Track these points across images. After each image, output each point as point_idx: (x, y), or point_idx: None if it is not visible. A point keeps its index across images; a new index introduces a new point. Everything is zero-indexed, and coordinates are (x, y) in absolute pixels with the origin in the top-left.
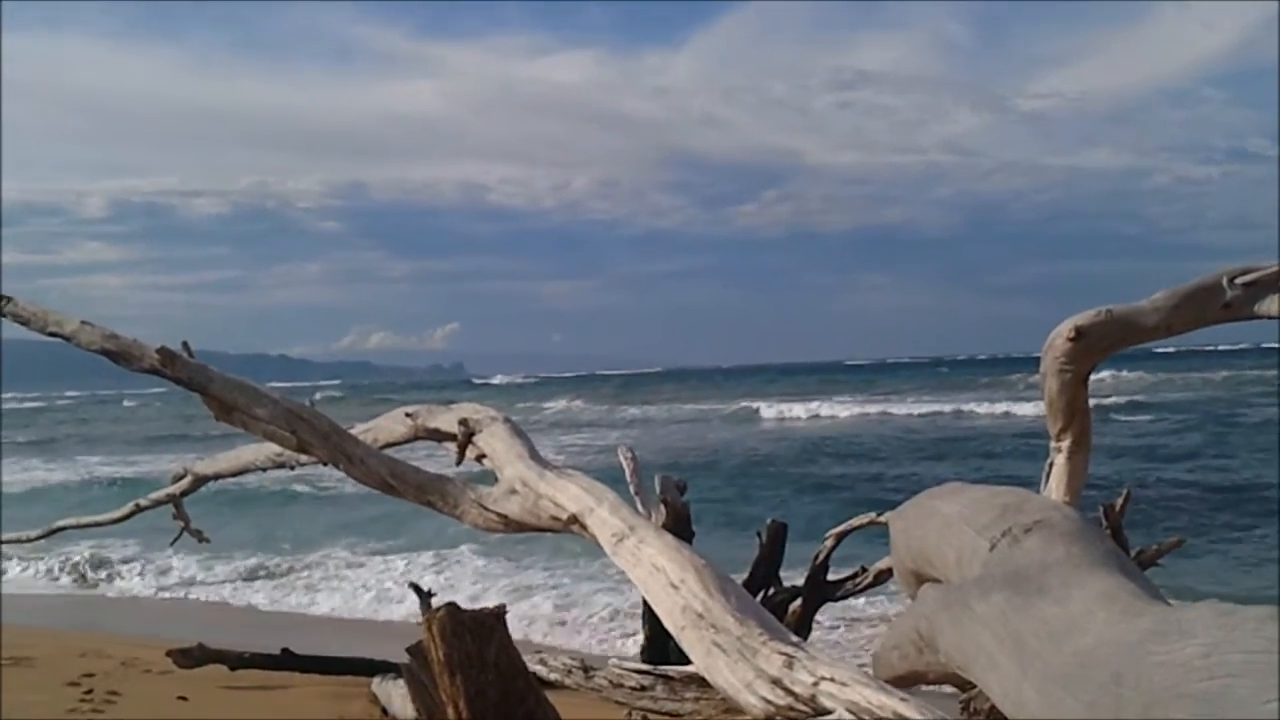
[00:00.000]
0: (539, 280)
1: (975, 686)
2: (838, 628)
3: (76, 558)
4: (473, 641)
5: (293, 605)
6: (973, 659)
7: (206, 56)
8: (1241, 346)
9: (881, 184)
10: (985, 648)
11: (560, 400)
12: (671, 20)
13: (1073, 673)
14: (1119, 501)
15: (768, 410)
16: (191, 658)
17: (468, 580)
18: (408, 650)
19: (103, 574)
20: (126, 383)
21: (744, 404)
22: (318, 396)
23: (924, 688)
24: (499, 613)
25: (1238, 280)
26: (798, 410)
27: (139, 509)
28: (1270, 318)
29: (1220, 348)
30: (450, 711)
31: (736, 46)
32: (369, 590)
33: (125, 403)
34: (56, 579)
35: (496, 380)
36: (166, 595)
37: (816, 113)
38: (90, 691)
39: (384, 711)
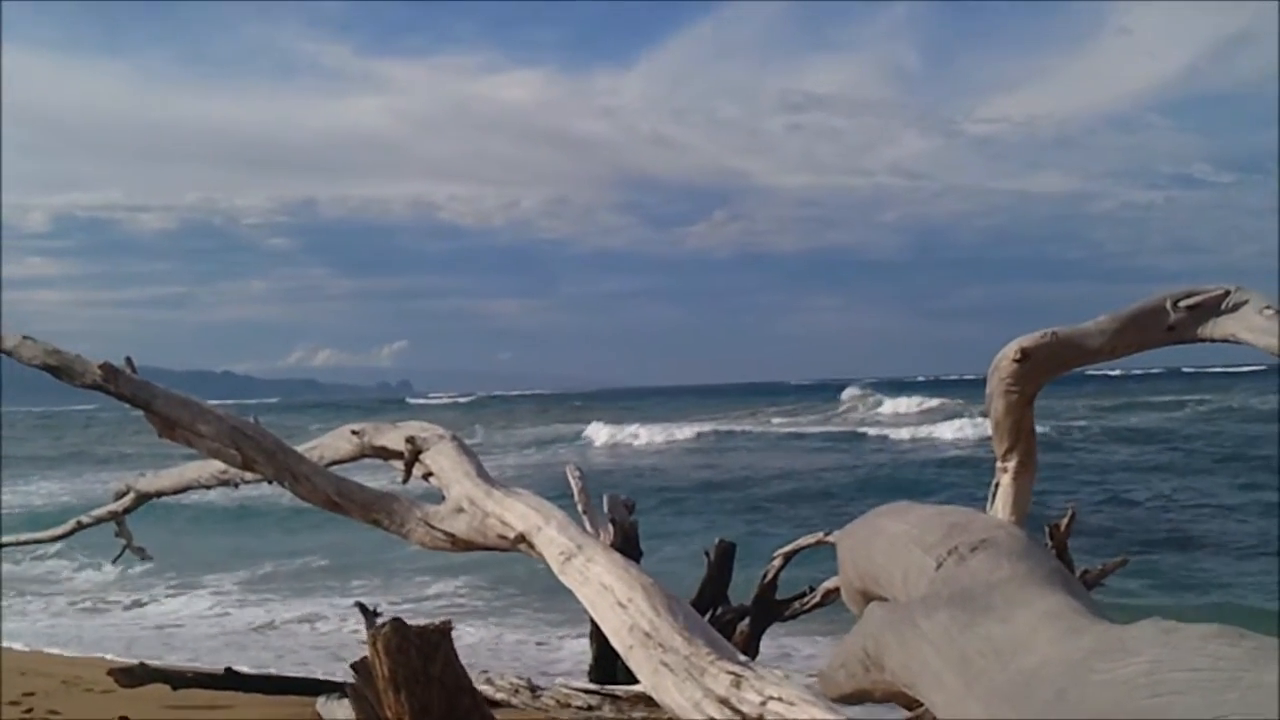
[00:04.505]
0: (488, 298)
1: (922, 705)
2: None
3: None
4: (417, 657)
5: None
6: (919, 677)
7: (153, 71)
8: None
9: (830, 206)
10: (931, 666)
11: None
12: (622, 40)
13: (1017, 691)
14: (1064, 521)
15: (599, 434)
16: (134, 677)
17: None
18: (352, 666)
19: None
20: (62, 399)
21: (582, 427)
22: (258, 418)
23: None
24: (444, 629)
25: (1180, 304)
26: (625, 433)
27: (80, 526)
28: (1212, 341)
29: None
30: None
31: (687, 67)
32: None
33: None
34: None
35: (419, 401)
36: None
37: (766, 134)
38: (30, 710)
39: None
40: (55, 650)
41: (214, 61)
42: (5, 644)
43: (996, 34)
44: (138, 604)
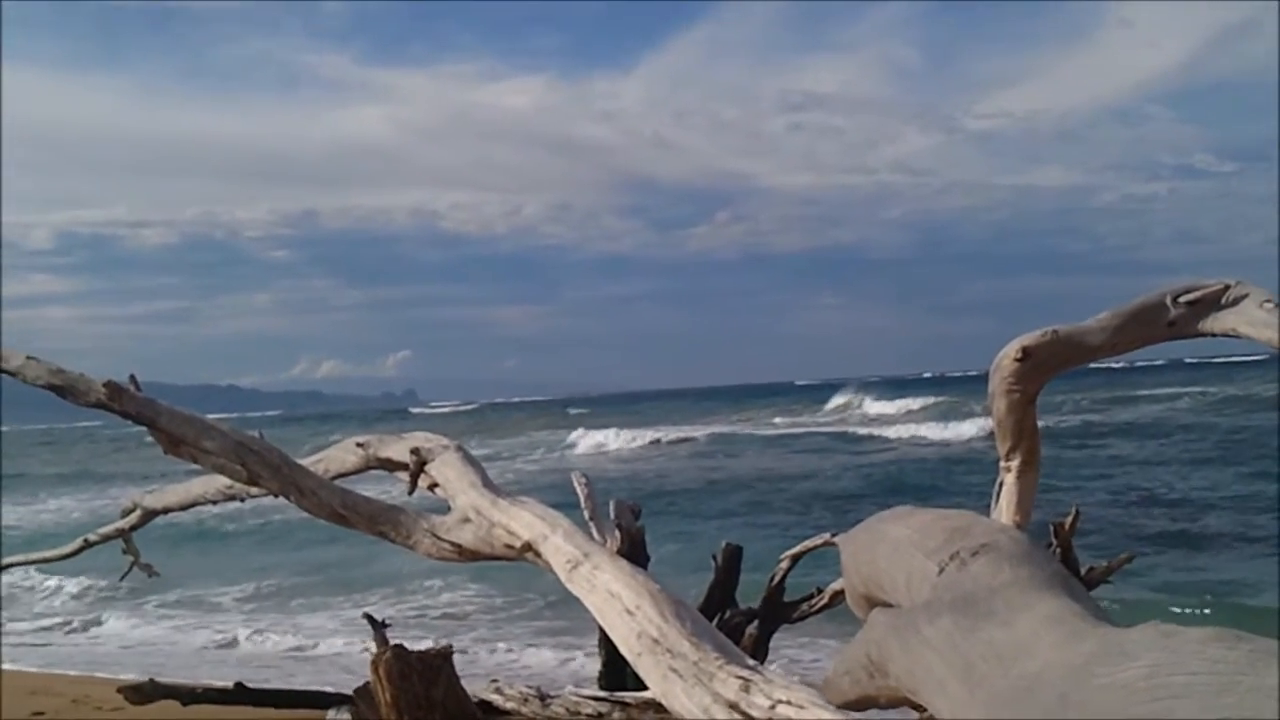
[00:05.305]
0: (492, 306)
1: (927, 710)
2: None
3: None
4: (419, 683)
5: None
6: (922, 683)
7: (153, 86)
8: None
9: (833, 205)
10: (934, 671)
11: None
12: (621, 44)
13: (1020, 696)
14: (1068, 520)
15: (601, 439)
16: (143, 694)
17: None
18: (355, 692)
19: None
20: (62, 417)
21: (585, 432)
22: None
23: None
24: (446, 653)
25: (1181, 299)
26: (627, 437)
27: (88, 544)
28: (1213, 335)
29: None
30: None
31: (686, 69)
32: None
33: None
34: None
35: (422, 410)
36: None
37: (767, 135)
38: None
39: None
40: (59, 670)
41: (214, 74)
42: (12, 665)
43: (996, 29)
44: (140, 619)
